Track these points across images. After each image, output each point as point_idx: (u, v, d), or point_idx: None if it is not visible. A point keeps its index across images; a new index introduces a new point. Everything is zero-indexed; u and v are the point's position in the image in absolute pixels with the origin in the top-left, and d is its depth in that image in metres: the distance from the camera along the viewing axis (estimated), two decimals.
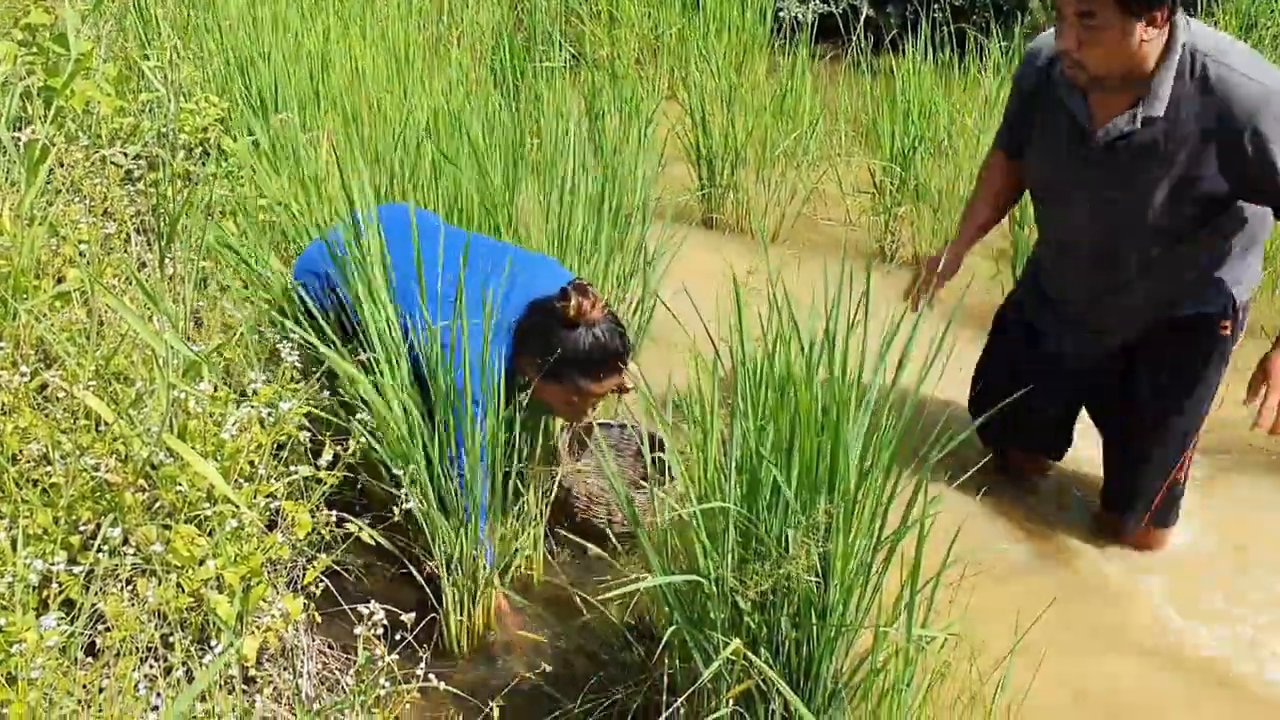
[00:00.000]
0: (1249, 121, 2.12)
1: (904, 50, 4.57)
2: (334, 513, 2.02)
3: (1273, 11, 5.31)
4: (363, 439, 2.10)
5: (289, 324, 2.17)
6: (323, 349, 2.08)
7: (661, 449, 2.61)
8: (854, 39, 5.09)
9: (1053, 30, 2.24)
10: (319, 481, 1.98)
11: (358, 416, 2.11)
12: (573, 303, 2.18)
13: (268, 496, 1.92)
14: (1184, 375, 2.48)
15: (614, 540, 2.36)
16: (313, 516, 1.97)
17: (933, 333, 1.87)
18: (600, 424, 2.80)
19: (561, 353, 2.18)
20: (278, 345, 2.20)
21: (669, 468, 2.50)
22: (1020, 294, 2.75)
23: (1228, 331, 2.43)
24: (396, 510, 2.04)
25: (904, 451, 1.89)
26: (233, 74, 3.73)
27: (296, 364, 2.12)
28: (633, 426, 2.72)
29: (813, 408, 1.84)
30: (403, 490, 2.06)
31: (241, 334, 2.28)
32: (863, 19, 5.65)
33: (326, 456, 2.02)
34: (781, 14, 5.78)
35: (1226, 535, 2.75)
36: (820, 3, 5.91)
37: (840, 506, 1.84)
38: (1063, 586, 2.52)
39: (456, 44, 4.93)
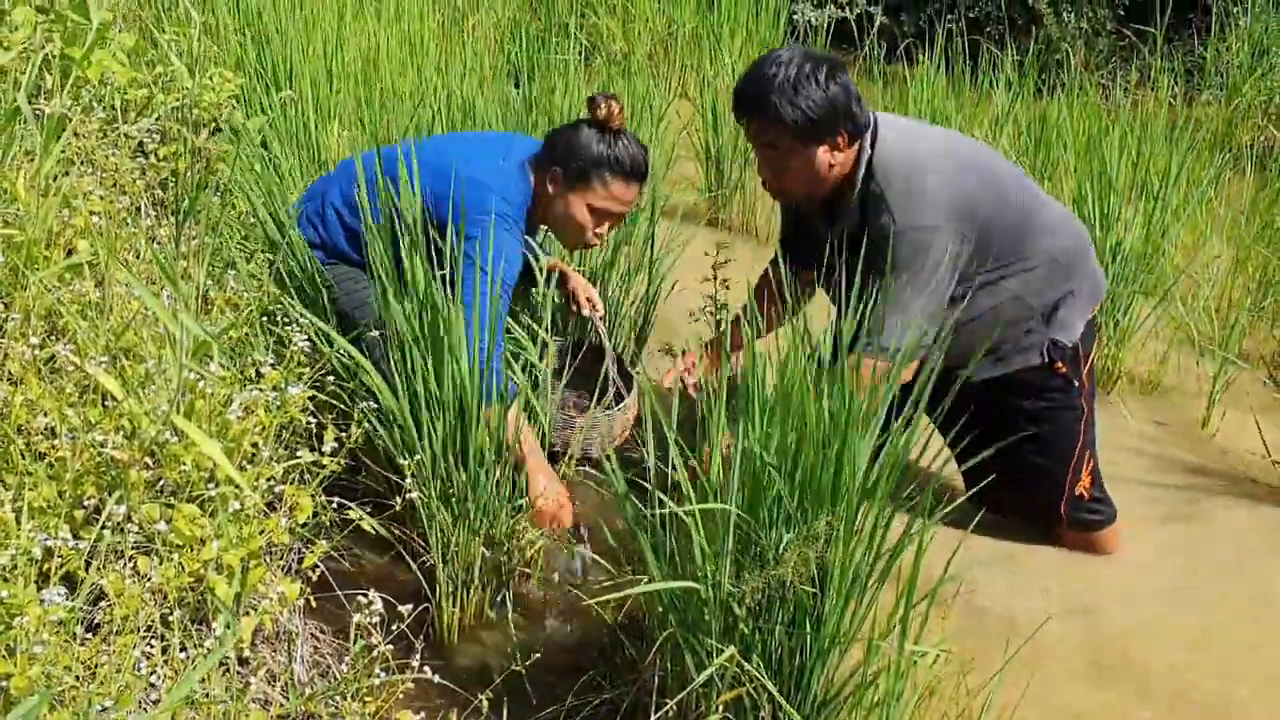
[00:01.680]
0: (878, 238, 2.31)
1: (917, 59, 4.58)
2: (335, 499, 2.02)
3: None
4: (365, 426, 2.10)
5: (297, 309, 2.18)
6: (336, 338, 2.08)
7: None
8: (867, 45, 5.10)
9: None
10: (321, 467, 1.98)
11: (361, 405, 2.11)
12: (603, 106, 2.31)
13: (269, 479, 1.93)
14: (1040, 427, 2.60)
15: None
16: (312, 501, 1.98)
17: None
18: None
19: (593, 153, 2.31)
20: (286, 328, 2.20)
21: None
22: None
23: (1064, 369, 2.54)
24: (398, 500, 2.05)
25: (909, 465, 1.90)
26: (248, 49, 3.72)
27: (305, 349, 2.12)
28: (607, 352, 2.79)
29: (820, 419, 1.85)
30: (406, 479, 2.06)
31: (250, 314, 2.28)
32: (876, 25, 5.65)
33: (330, 443, 2.02)
34: (796, 17, 5.78)
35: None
36: (835, 8, 5.91)
37: (842, 518, 1.85)
38: (1056, 605, 2.53)
39: (471, 32, 4.92)
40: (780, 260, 2.56)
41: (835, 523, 1.85)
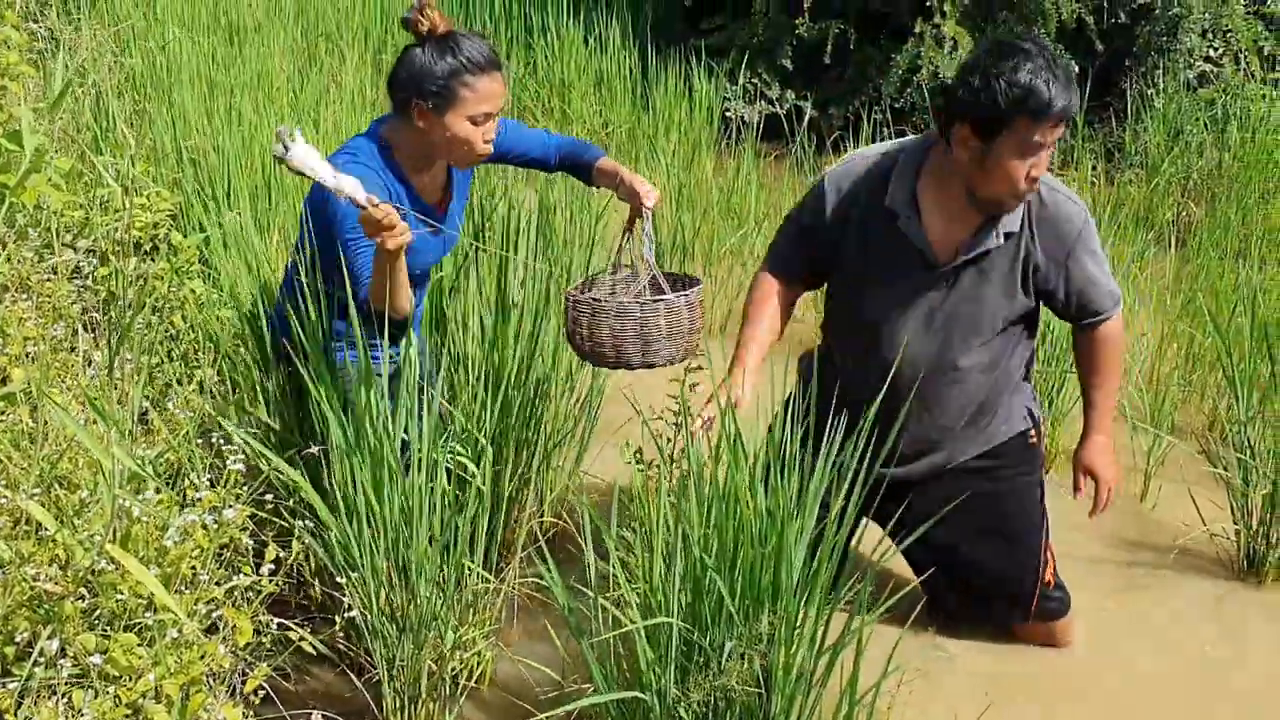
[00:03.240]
0: (1073, 241, 2.35)
1: (845, 151, 4.72)
2: (275, 619, 2.01)
3: (1197, 119, 5.55)
4: (304, 543, 2.10)
5: (232, 428, 2.18)
6: (270, 455, 2.08)
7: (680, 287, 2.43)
8: (798, 140, 5.25)
9: (855, 160, 2.44)
10: (261, 588, 1.97)
11: (300, 522, 2.11)
12: (422, 19, 2.21)
13: (209, 602, 1.91)
14: (1005, 504, 2.58)
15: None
16: (254, 620, 1.96)
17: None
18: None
19: (443, 68, 2.20)
20: (223, 449, 2.20)
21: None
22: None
23: (1035, 441, 2.57)
24: (338, 618, 2.03)
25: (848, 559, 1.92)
26: (185, 167, 3.76)
27: (241, 470, 2.12)
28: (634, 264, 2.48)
29: (756, 519, 1.88)
30: (346, 597, 2.05)
31: (187, 436, 2.27)
32: (806, 120, 5.82)
33: (268, 563, 2.01)
34: (728, 114, 5.94)
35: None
36: (765, 104, 6.07)
37: (782, 619, 1.87)
38: (997, 688, 2.55)
39: None
40: (786, 268, 2.55)
41: (776, 623, 1.87)
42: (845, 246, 2.43)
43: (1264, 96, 5.54)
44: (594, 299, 2.27)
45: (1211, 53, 5.92)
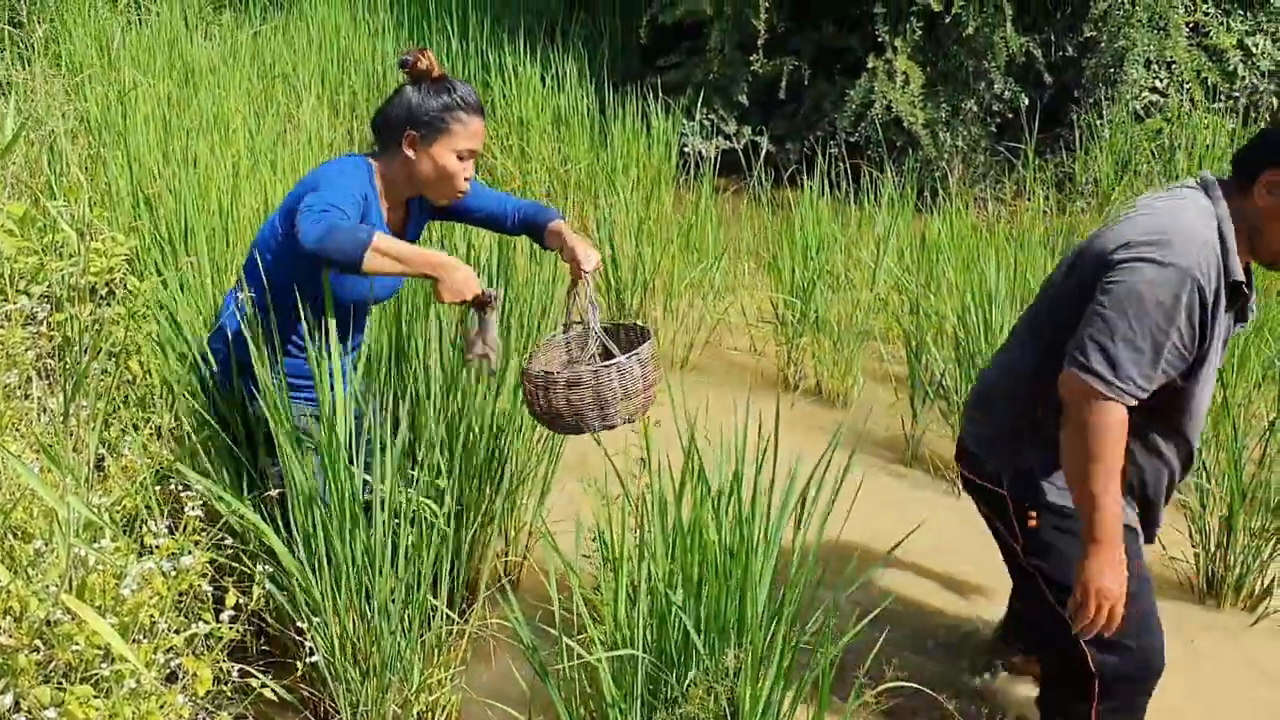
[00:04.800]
0: None
1: (802, 185, 4.77)
2: (237, 666, 1.98)
3: (1145, 148, 5.67)
4: (265, 588, 2.07)
5: (193, 475, 2.16)
6: (229, 500, 2.06)
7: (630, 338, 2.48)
8: (755, 175, 5.30)
9: (1181, 242, 2.08)
10: (220, 637, 1.95)
11: (260, 567, 2.09)
12: (421, 59, 2.33)
13: (168, 651, 1.89)
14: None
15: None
16: (214, 668, 1.94)
17: (838, 465, 1.93)
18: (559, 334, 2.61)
19: (437, 104, 2.32)
20: (180, 494, 2.18)
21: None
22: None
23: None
24: (300, 664, 2.01)
25: (814, 585, 1.93)
26: (141, 211, 3.74)
27: (200, 516, 2.10)
28: (588, 325, 2.50)
29: (720, 552, 1.89)
30: (307, 643, 2.03)
31: (143, 482, 2.25)
32: (763, 155, 5.88)
33: (230, 607, 1.99)
34: (686, 150, 5.99)
35: None
36: (722, 139, 6.13)
37: (748, 651, 1.87)
38: (962, 712, 2.56)
39: None
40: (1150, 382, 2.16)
41: (742, 656, 1.87)
42: (1211, 333, 2.20)
43: (1208, 125, 5.67)
44: (545, 373, 2.29)
45: (1158, 83, 6.06)
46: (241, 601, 2.04)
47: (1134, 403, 2.08)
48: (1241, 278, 2.13)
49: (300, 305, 2.20)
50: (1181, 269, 2.04)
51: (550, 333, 2.65)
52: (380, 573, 2.11)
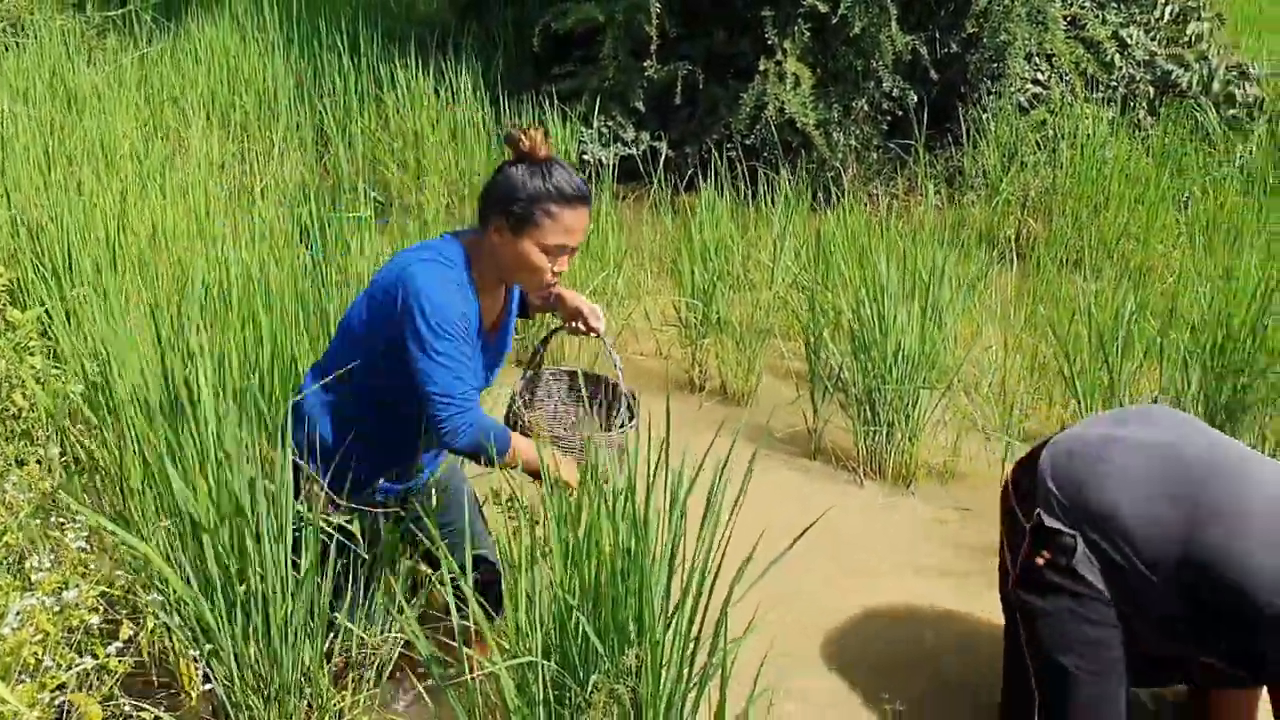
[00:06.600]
0: None
1: (702, 190, 4.82)
2: (130, 701, 1.93)
3: (1031, 140, 5.83)
4: (156, 619, 2.03)
5: (76, 505, 2.10)
6: (116, 531, 2.01)
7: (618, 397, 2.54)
8: (655, 180, 5.33)
9: None
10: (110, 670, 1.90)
11: (151, 596, 2.05)
12: (525, 139, 2.19)
13: (55, 689, 1.84)
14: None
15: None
16: (108, 703, 1.89)
17: (734, 461, 1.95)
18: (551, 371, 2.72)
19: (529, 191, 2.17)
20: (62, 526, 2.13)
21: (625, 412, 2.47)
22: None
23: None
24: (193, 694, 1.97)
25: (714, 582, 1.95)
26: (20, 242, 3.64)
27: (84, 548, 2.05)
28: (583, 373, 2.63)
29: (620, 556, 1.89)
30: (199, 671, 1.99)
31: (27, 517, 2.19)
32: (662, 160, 5.92)
33: (122, 640, 1.94)
34: (585, 157, 6.00)
35: None
36: (621, 146, 6.16)
37: (649, 651, 1.88)
38: (853, 702, 2.60)
39: (261, 198, 4.93)
40: None
41: (643, 655, 1.88)
42: None
43: (1090, 115, 5.85)
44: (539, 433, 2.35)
45: (1039, 76, 6.23)
46: (133, 634, 1.99)
47: None
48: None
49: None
50: None
51: (528, 372, 2.67)
52: (274, 593, 2.08)
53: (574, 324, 2.51)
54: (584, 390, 2.60)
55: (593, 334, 2.49)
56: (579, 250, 2.35)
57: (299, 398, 2.32)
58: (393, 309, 2.17)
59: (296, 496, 2.14)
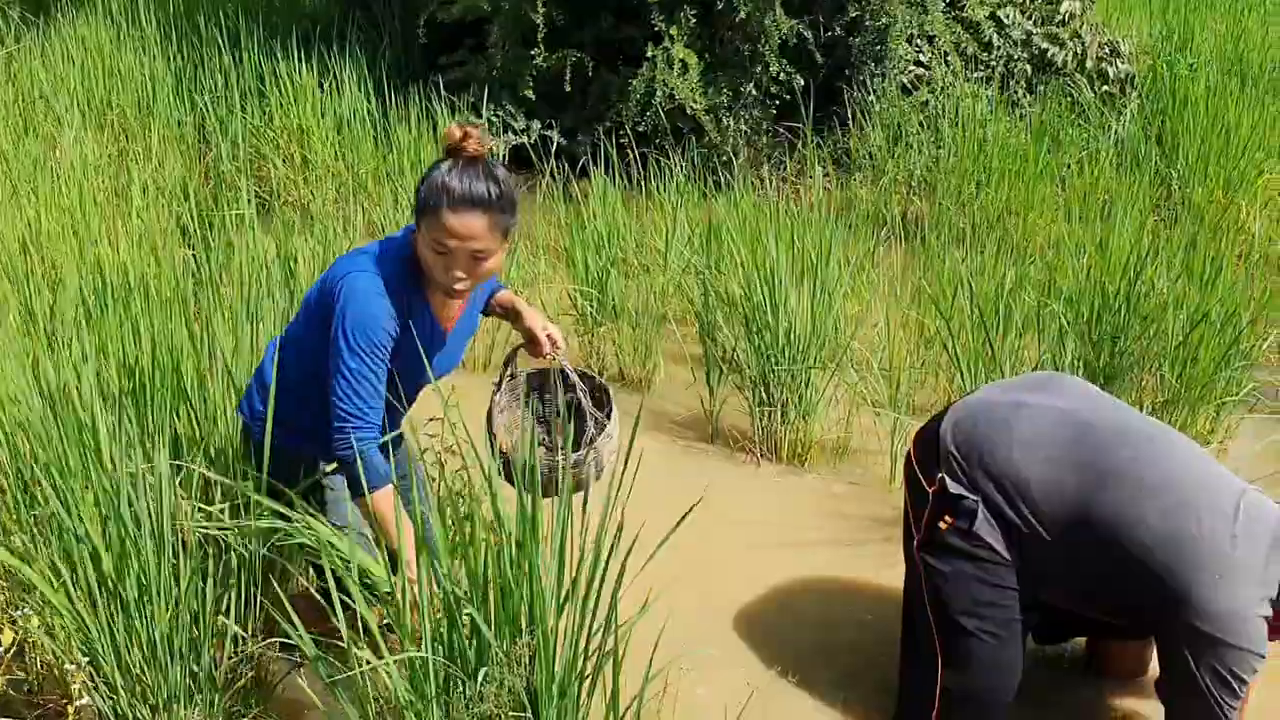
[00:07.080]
0: None
1: (594, 177, 4.81)
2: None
3: (914, 120, 5.94)
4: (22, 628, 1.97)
5: None
6: None
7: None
8: (547, 169, 5.31)
9: None
10: None
11: (21, 611, 1.98)
12: (456, 131, 2.09)
13: None
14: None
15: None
16: None
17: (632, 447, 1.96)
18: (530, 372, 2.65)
19: (429, 184, 2.07)
20: None
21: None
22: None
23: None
24: (70, 710, 1.92)
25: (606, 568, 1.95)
26: None
27: None
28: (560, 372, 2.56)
29: (507, 545, 1.89)
30: (76, 684, 1.94)
31: None
32: (555, 147, 5.89)
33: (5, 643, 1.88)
34: None
35: None
36: (512, 135, 6.12)
37: (540, 640, 1.88)
38: (761, 678, 2.64)
39: (141, 196, 4.78)
40: None
41: (535, 643, 1.88)
42: None
43: (970, 94, 5.98)
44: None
45: (921, 58, 6.35)
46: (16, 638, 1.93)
47: None
48: None
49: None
50: None
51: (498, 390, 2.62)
52: (152, 599, 2.03)
53: (532, 345, 2.49)
54: (559, 398, 2.58)
55: (548, 358, 2.47)
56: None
57: (259, 365, 2.36)
58: (331, 306, 2.15)
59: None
